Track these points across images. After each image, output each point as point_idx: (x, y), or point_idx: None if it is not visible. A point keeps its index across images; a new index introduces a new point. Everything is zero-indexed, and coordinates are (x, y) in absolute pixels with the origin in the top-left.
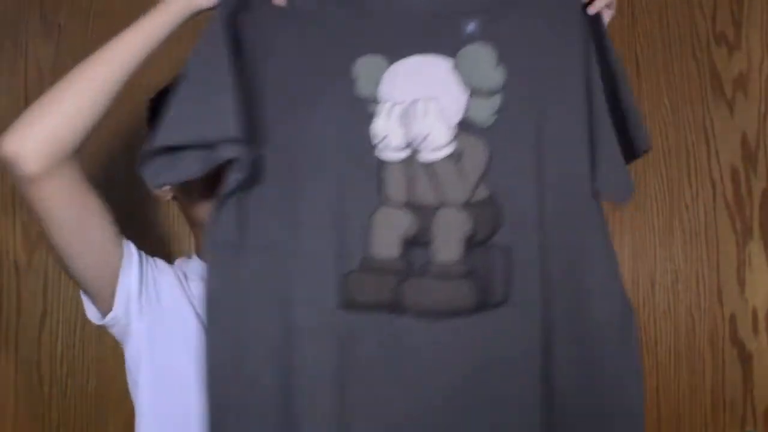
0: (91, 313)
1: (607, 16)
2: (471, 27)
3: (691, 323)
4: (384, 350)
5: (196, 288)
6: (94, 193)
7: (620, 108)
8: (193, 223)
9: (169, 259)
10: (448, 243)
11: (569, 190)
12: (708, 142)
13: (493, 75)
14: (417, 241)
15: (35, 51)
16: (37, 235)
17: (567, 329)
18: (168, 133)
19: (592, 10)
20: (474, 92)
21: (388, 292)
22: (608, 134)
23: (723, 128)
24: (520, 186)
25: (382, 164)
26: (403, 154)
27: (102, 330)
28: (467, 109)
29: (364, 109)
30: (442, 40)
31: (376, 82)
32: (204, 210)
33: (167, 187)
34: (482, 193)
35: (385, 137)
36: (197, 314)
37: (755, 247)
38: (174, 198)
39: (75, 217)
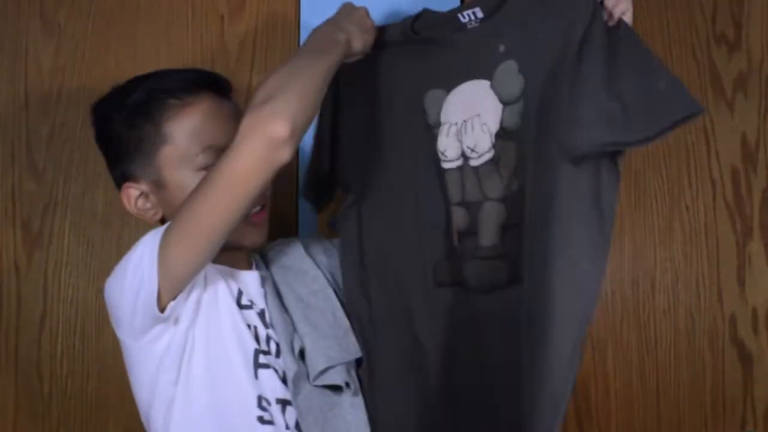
0: (152, 292)
1: (627, 18)
2: (501, 48)
3: (691, 323)
4: (453, 318)
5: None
6: None
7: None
8: None
9: None
10: (489, 230)
11: (562, 168)
12: (708, 142)
13: (516, 84)
14: (469, 231)
15: (35, 51)
16: (37, 235)
17: (552, 305)
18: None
19: (612, 22)
20: (505, 102)
21: (456, 272)
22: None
23: (723, 128)
24: (534, 178)
25: (444, 172)
26: (458, 163)
27: (102, 330)
28: (502, 119)
29: (431, 133)
30: (481, 65)
31: (439, 111)
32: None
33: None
34: (515, 185)
35: (444, 151)
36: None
37: (755, 247)
38: (163, 218)
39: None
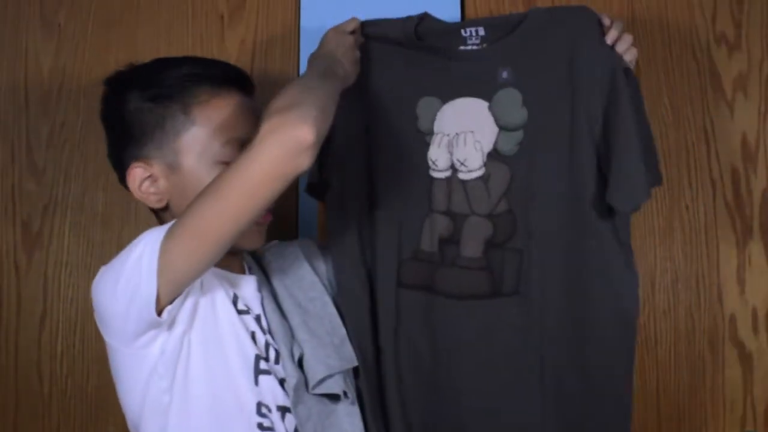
0: (150, 294)
1: (629, 56)
2: (504, 75)
3: (691, 323)
4: (421, 321)
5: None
6: None
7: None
8: None
9: None
10: (472, 243)
11: (575, 207)
12: (708, 142)
13: (518, 114)
14: (450, 240)
15: (35, 51)
16: (37, 235)
17: (564, 322)
18: None
19: (620, 45)
20: (502, 128)
21: (426, 276)
22: (626, 153)
23: (723, 128)
24: (533, 203)
25: (432, 180)
26: (446, 173)
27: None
28: (497, 141)
29: (423, 140)
30: (482, 86)
31: (432, 119)
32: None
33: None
34: (503, 206)
35: (435, 161)
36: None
37: (755, 247)
38: (166, 206)
39: None
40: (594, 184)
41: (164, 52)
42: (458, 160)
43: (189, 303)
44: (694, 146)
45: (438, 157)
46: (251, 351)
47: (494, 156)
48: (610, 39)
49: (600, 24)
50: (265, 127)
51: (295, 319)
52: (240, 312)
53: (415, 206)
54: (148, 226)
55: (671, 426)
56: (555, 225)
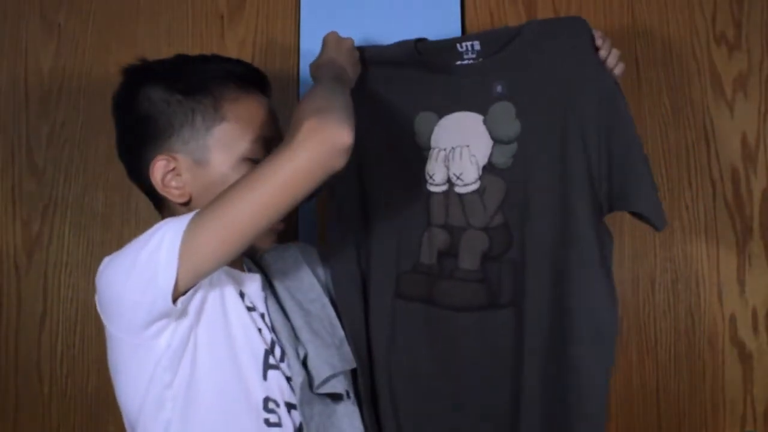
0: (169, 283)
1: (618, 70)
2: (498, 88)
3: (691, 323)
4: (418, 331)
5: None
6: None
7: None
8: None
9: None
10: (470, 255)
11: (565, 220)
12: (708, 142)
13: (512, 127)
14: (448, 253)
15: (35, 51)
16: (37, 235)
17: (551, 335)
18: None
19: (609, 60)
20: (497, 141)
21: (425, 288)
22: (638, 169)
23: (723, 128)
24: (527, 215)
25: (430, 195)
26: (443, 188)
27: (102, 330)
28: (491, 155)
29: (421, 155)
30: (477, 100)
31: (430, 134)
32: None
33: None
34: (498, 219)
35: (433, 175)
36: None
37: (755, 247)
38: (188, 201)
39: None
40: (586, 196)
41: (164, 52)
42: (454, 174)
43: (198, 297)
44: (694, 146)
45: (435, 172)
46: (260, 346)
47: (489, 169)
48: (601, 54)
49: (592, 37)
50: (306, 126)
51: (298, 320)
52: (248, 309)
53: (413, 220)
54: (148, 226)
55: (671, 426)
56: (548, 237)
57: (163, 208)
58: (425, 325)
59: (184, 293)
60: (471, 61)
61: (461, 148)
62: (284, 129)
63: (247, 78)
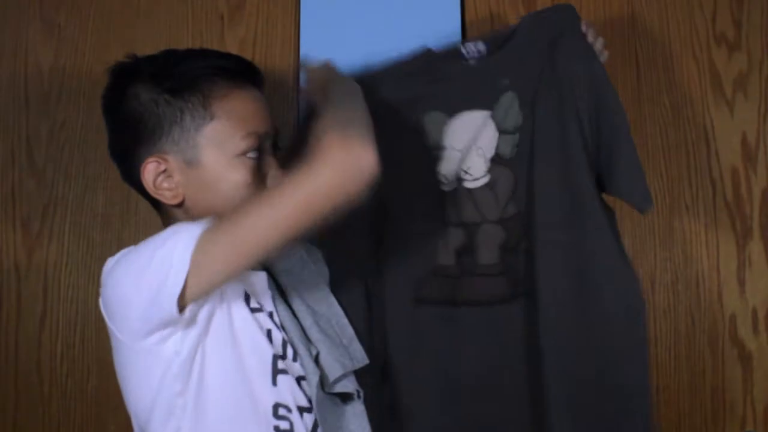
0: (175, 290)
1: (602, 58)
2: (504, 82)
3: (691, 323)
4: (443, 333)
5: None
6: None
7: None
8: None
9: None
10: (488, 250)
11: (576, 201)
12: (708, 142)
13: (517, 117)
14: (466, 250)
15: (35, 51)
16: (37, 235)
17: (574, 320)
18: None
19: (596, 47)
20: (501, 131)
21: (448, 290)
22: (623, 150)
23: (723, 128)
24: (534, 203)
25: (443, 194)
26: (455, 185)
27: (102, 330)
28: (498, 146)
29: (431, 155)
30: (484, 96)
31: (440, 134)
32: None
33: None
34: (511, 209)
35: (446, 175)
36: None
37: (755, 247)
38: (182, 202)
39: None
40: (588, 174)
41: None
42: (462, 169)
43: (206, 308)
44: (694, 146)
45: (447, 171)
46: (268, 351)
47: (496, 160)
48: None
49: (580, 24)
50: (329, 144)
51: (306, 320)
52: (253, 310)
53: (428, 221)
54: (148, 225)
55: (671, 426)
56: (558, 224)
57: (160, 209)
58: (450, 327)
59: (194, 302)
60: (475, 61)
61: (469, 145)
62: (282, 127)
63: (236, 72)
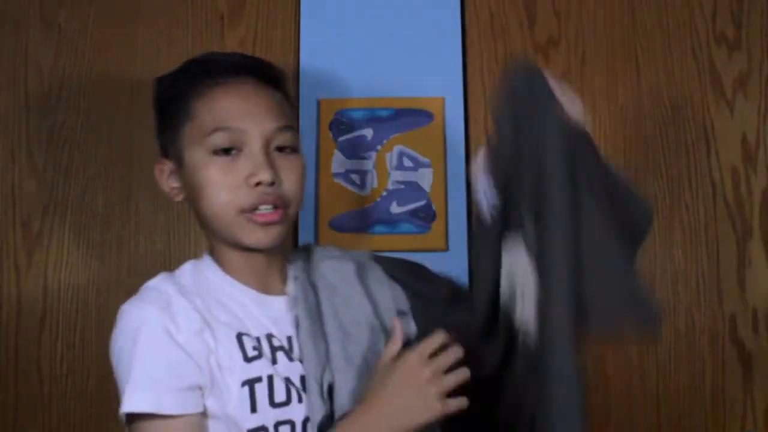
0: None
1: (579, 117)
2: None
3: (691, 323)
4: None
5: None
6: None
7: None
8: (204, 225)
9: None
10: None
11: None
12: (708, 142)
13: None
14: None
15: (35, 51)
16: (37, 235)
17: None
18: None
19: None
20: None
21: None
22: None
23: (723, 128)
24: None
25: None
26: None
27: (102, 330)
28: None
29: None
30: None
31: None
32: None
33: (176, 186)
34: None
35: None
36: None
37: (755, 247)
38: (186, 199)
39: None
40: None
41: (164, 52)
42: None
43: (206, 370)
44: (694, 146)
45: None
46: (267, 413)
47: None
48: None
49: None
50: None
51: (335, 344)
52: (251, 359)
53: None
54: (148, 226)
55: (671, 426)
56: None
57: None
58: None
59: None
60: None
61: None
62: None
63: (225, 69)
